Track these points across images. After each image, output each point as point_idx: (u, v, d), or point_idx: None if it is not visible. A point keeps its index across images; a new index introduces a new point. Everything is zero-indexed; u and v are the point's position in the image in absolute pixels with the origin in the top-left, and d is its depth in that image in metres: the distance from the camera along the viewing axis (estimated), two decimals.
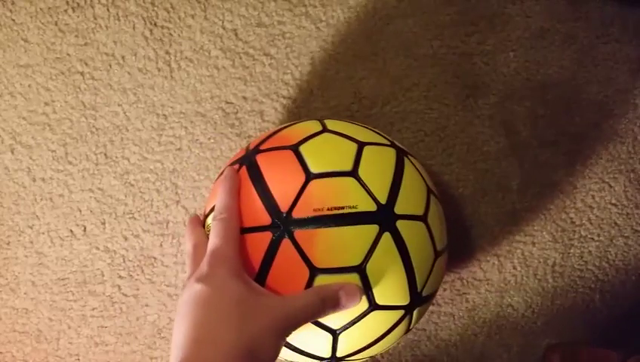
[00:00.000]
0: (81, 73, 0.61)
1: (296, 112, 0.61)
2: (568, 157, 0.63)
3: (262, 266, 0.39)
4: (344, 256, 0.38)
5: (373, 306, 0.39)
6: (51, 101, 0.61)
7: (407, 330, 0.44)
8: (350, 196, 0.39)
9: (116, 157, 0.61)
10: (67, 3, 0.61)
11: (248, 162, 0.43)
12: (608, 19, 0.63)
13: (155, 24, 0.61)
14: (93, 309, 0.62)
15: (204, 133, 0.61)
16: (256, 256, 0.39)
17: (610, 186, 0.63)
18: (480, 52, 0.62)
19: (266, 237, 0.38)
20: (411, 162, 0.45)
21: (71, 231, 0.61)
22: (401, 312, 0.41)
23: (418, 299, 0.42)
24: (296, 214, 0.38)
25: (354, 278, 0.38)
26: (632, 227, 0.64)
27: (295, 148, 0.41)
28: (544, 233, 0.63)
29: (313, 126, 0.44)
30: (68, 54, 0.61)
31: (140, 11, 0.61)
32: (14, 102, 0.61)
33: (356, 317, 0.39)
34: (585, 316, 0.64)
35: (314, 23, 0.61)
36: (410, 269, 0.40)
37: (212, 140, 0.61)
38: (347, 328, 0.39)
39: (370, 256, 0.38)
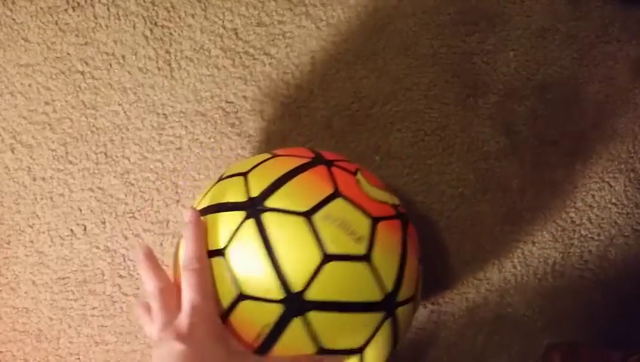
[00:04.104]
0: (82, 72, 0.61)
1: (296, 112, 0.61)
2: (568, 156, 0.63)
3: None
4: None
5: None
6: (52, 100, 0.61)
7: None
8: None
9: (116, 156, 0.61)
10: (67, 2, 0.61)
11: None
12: (608, 19, 0.63)
13: (156, 23, 0.61)
14: (94, 308, 0.62)
15: (204, 132, 0.61)
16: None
17: (610, 186, 0.63)
18: (480, 51, 0.62)
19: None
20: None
21: (71, 230, 0.61)
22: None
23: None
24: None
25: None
26: (632, 226, 0.64)
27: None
28: (544, 232, 0.63)
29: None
30: (68, 53, 0.61)
31: (140, 11, 0.61)
32: (15, 101, 0.61)
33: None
34: (585, 316, 0.64)
35: (314, 22, 0.61)
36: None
37: (212, 139, 0.61)
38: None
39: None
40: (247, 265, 0.38)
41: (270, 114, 0.61)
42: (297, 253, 0.38)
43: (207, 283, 0.38)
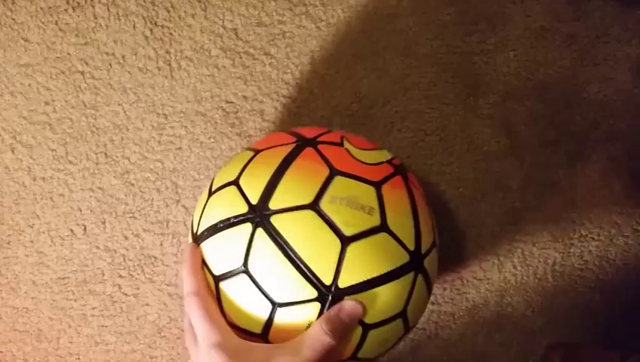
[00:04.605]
0: (82, 72, 0.61)
1: (296, 112, 0.61)
2: (568, 156, 0.63)
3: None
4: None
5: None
6: (52, 100, 0.61)
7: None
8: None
9: (116, 156, 0.61)
10: (67, 2, 0.61)
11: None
12: (608, 19, 0.63)
13: (156, 23, 0.61)
14: (94, 308, 0.62)
15: (204, 132, 0.61)
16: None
17: (611, 186, 0.63)
18: (480, 51, 0.62)
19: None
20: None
21: (71, 230, 0.61)
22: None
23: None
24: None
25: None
26: (632, 226, 0.64)
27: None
28: (544, 232, 0.63)
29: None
30: (68, 53, 0.61)
31: (140, 11, 0.61)
32: (15, 101, 0.61)
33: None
34: (585, 316, 0.64)
35: (314, 22, 0.61)
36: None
37: (212, 140, 0.61)
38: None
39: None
40: (272, 274, 0.38)
41: (270, 114, 0.61)
42: (317, 247, 0.38)
43: (211, 310, 0.39)
